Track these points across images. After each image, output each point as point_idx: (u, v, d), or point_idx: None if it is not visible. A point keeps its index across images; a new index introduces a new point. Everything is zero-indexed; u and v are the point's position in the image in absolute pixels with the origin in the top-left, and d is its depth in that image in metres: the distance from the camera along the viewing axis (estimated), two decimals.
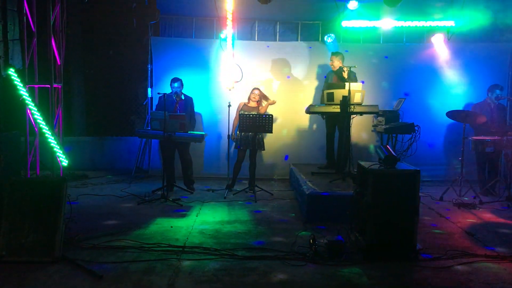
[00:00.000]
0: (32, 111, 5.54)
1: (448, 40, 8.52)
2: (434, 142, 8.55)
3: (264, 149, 7.51)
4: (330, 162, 7.69)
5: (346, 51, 8.52)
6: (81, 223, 5.25)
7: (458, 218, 5.89)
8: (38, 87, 5.83)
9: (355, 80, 7.23)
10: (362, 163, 4.71)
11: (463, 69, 8.58)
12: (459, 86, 8.59)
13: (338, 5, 7.87)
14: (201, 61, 8.64)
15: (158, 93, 6.86)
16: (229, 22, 7.98)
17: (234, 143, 7.43)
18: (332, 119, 7.56)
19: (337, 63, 7.57)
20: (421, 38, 8.83)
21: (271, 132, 6.96)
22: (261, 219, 5.77)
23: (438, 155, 8.60)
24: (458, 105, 8.28)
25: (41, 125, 5.55)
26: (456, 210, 6.30)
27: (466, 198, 6.84)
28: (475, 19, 7.95)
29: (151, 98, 8.83)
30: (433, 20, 8.28)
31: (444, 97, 8.55)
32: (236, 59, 8.22)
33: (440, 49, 8.59)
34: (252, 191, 7.03)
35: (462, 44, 8.63)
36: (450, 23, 8.24)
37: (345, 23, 8.17)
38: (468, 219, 5.85)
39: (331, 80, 7.60)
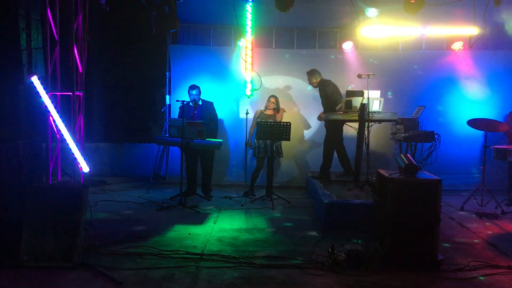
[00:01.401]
0: (55, 118, 5.60)
1: (470, 47, 8.41)
2: (454, 151, 8.41)
3: (282, 156, 7.49)
4: (346, 169, 7.65)
5: (371, 60, 8.53)
6: (100, 229, 5.30)
7: (480, 228, 5.78)
8: (60, 94, 5.91)
9: (332, 93, 7.42)
10: (382, 171, 4.66)
11: (486, 77, 8.46)
12: (481, 94, 8.47)
13: (357, 12, 7.84)
14: (219, 69, 8.67)
15: (177, 100, 6.91)
16: (247, 30, 8.01)
17: (252, 151, 7.44)
18: (339, 127, 7.56)
19: (314, 80, 7.69)
20: (441, 45, 8.74)
21: (289, 140, 6.95)
22: (279, 227, 5.75)
23: (459, 164, 8.45)
24: (480, 113, 8.14)
25: (63, 132, 5.61)
26: (478, 220, 6.19)
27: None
28: (498, 26, 7.83)
29: (169, 105, 8.90)
30: (455, 27, 8.17)
31: (465, 105, 8.44)
32: (254, 67, 8.23)
33: (461, 56, 8.49)
34: (269, 199, 7.01)
35: (484, 52, 8.52)
36: (472, 30, 8.11)
37: (364, 31, 8.13)
38: (490, 229, 5.75)
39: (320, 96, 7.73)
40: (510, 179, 7.39)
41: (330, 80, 7.64)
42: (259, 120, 7.21)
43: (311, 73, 7.72)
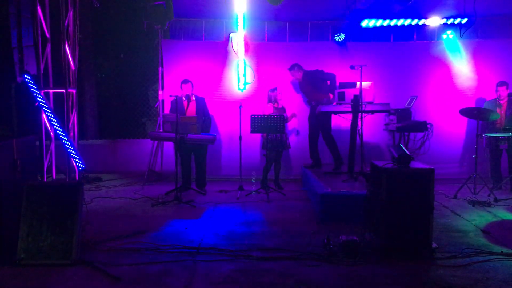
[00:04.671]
0: (48, 116, 5.61)
1: (461, 37, 8.45)
2: (447, 140, 8.48)
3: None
4: (315, 162, 7.87)
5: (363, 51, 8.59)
6: (97, 226, 5.32)
7: (473, 216, 5.85)
8: (53, 92, 5.91)
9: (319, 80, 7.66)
10: (376, 162, 4.70)
11: (477, 66, 8.52)
12: (472, 83, 8.53)
13: (348, 4, 7.84)
14: (211, 63, 8.66)
15: (170, 95, 6.91)
16: (239, 23, 8.00)
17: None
18: (314, 120, 7.71)
19: (298, 74, 7.86)
20: (432, 35, 8.78)
21: (283, 133, 7.00)
22: (274, 219, 5.78)
23: (452, 153, 8.53)
24: (471, 103, 8.23)
25: (57, 130, 5.62)
26: (471, 208, 6.25)
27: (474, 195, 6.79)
28: (489, 15, 7.86)
29: (163, 100, 8.89)
30: (445, 17, 8.20)
31: (457, 95, 8.50)
32: (246, 61, 8.23)
33: (452, 46, 8.54)
34: (265, 192, 7.03)
35: (475, 41, 8.57)
36: (462, 20, 8.14)
37: (355, 22, 8.13)
38: (483, 216, 5.81)
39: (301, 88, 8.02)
40: (492, 169, 7.46)
41: (312, 70, 7.87)
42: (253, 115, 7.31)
43: (293, 68, 7.91)
